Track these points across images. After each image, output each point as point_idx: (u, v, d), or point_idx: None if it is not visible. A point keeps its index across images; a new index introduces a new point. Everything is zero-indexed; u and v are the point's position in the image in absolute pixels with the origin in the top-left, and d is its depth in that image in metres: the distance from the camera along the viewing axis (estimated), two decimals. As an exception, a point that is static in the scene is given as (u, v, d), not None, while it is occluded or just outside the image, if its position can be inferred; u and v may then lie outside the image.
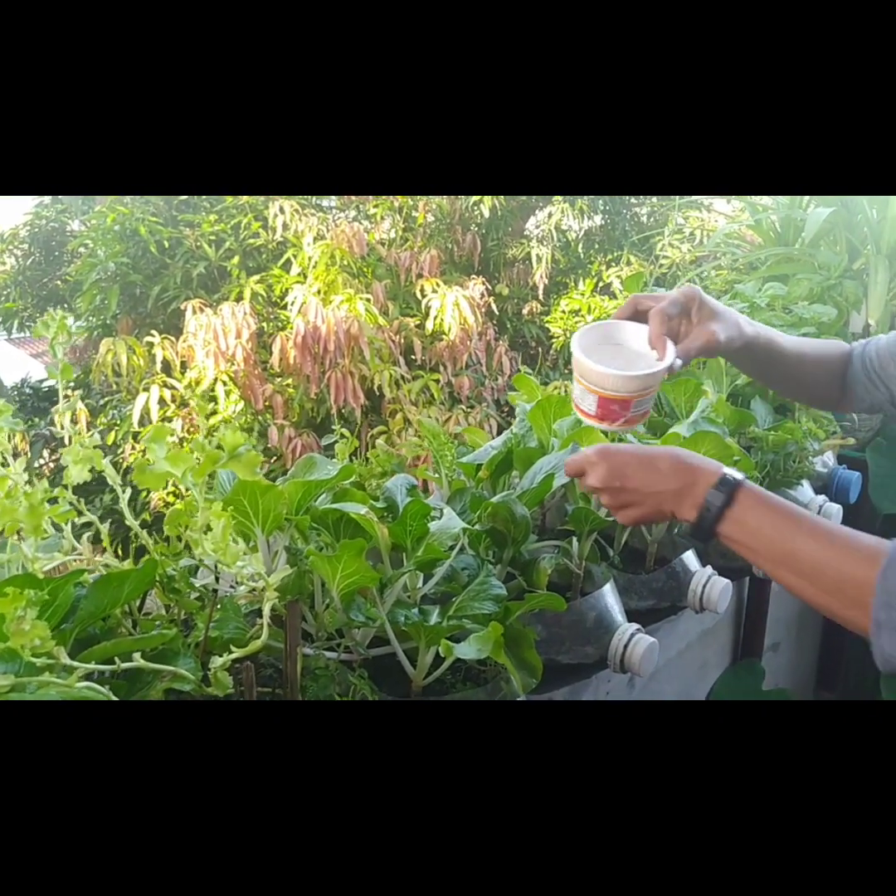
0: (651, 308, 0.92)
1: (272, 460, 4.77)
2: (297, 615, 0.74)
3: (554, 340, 5.90)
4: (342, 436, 1.08)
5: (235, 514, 0.85)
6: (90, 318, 6.31)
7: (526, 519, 0.94)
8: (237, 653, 0.67)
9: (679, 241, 5.92)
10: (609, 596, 1.01)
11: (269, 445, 4.77)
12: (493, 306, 5.61)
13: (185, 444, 5.28)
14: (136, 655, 0.69)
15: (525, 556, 1.00)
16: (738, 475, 0.75)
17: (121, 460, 5.33)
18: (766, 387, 1.38)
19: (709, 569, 1.15)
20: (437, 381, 4.97)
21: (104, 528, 0.79)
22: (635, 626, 0.99)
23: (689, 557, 1.15)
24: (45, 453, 6.57)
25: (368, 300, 4.84)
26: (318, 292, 5.01)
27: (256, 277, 5.47)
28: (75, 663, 0.65)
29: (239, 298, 5.24)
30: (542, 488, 0.99)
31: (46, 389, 6.79)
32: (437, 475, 1.19)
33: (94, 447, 0.82)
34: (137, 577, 0.76)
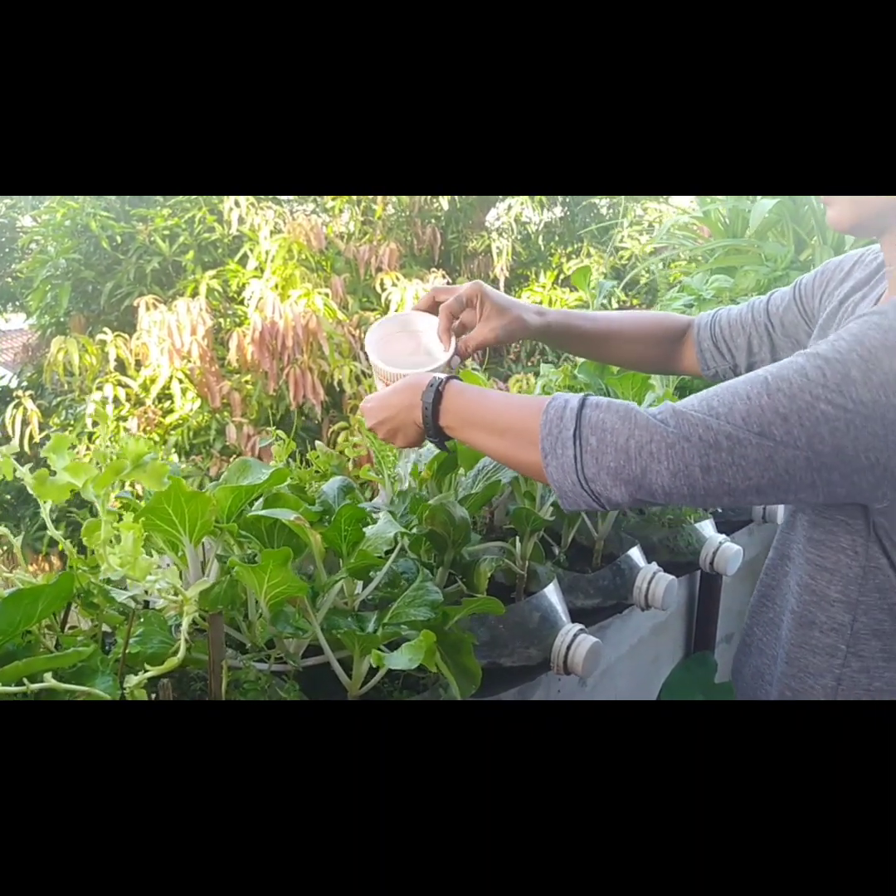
0: (440, 298, 1.02)
1: (231, 459, 4.70)
2: (219, 628, 0.71)
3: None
4: (278, 438, 1.05)
5: (160, 522, 0.82)
6: (43, 316, 6.16)
7: (465, 521, 0.92)
8: (152, 671, 0.64)
9: (638, 233, 5.94)
10: (552, 596, 0.99)
11: (227, 443, 4.70)
12: (454, 300, 5.56)
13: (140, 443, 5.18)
14: (49, 675, 0.66)
15: (466, 559, 0.98)
16: (446, 375, 0.87)
17: (76, 461, 5.22)
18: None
19: (654, 566, 1.14)
20: (398, 375, 4.94)
21: (17, 541, 0.75)
22: (578, 626, 0.97)
23: (635, 554, 1.14)
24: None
25: (327, 295, 4.78)
26: (276, 287, 4.94)
27: (212, 272, 5.37)
28: (-22, 687, 0.61)
29: (194, 294, 5.15)
30: (487, 492, 0.97)
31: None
32: (380, 476, 1.16)
33: (12, 455, 0.78)
34: (52, 592, 0.73)
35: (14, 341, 7.84)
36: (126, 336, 4.96)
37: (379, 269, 5.36)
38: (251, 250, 5.36)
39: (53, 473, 0.57)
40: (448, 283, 5.42)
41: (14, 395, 5.29)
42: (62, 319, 5.94)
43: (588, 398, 0.75)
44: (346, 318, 4.94)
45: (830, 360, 0.66)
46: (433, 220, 6.05)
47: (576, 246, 6.52)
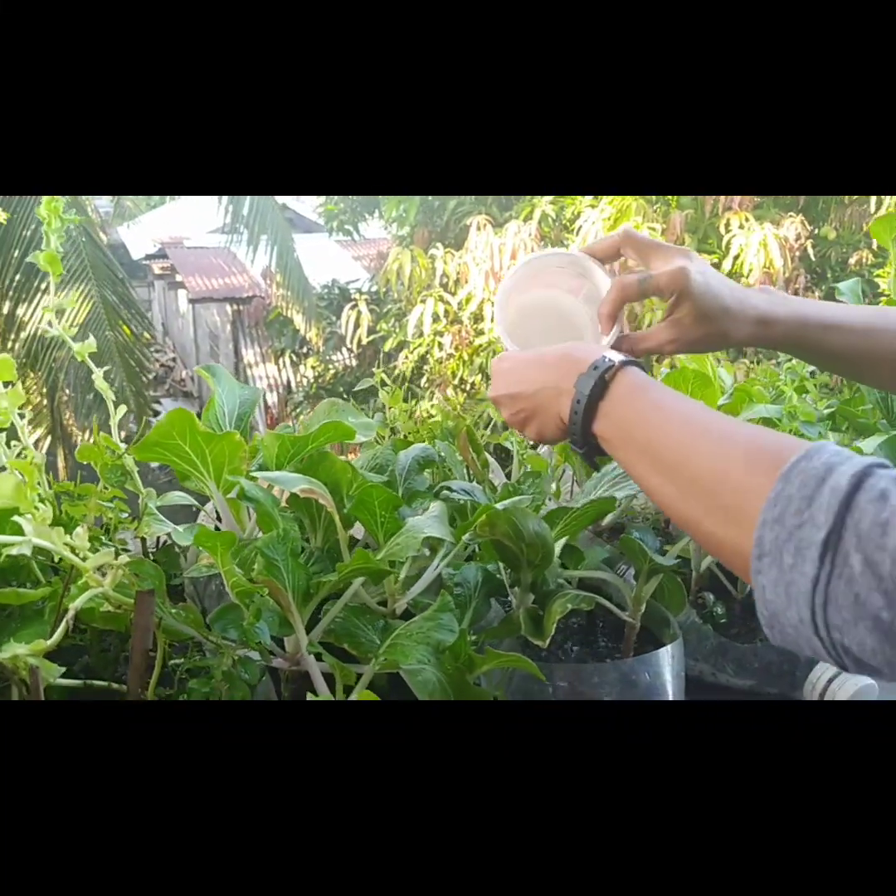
0: (629, 256, 0.70)
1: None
2: (147, 611, 0.58)
3: (881, 299, 4.96)
4: (383, 383, 0.87)
5: (176, 459, 0.71)
6: (399, 228, 6.56)
7: (541, 538, 0.67)
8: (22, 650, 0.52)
9: None
10: (663, 665, 0.71)
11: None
12: (811, 251, 4.83)
13: (451, 360, 5.34)
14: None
15: (549, 586, 0.73)
16: (622, 357, 0.57)
17: (394, 368, 5.55)
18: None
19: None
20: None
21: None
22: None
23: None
24: (343, 352, 7.07)
25: (656, 231, 4.39)
26: (609, 218, 4.66)
27: (551, 198, 5.23)
28: None
29: (527, 218, 5.06)
30: (592, 510, 0.71)
31: (352, 291, 7.26)
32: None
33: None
34: None
35: (374, 248, 8.51)
36: (454, 252, 5.06)
37: (728, 208, 4.80)
38: (593, 176, 5.11)
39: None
40: (807, 231, 4.68)
41: (353, 297, 5.72)
42: (413, 231, 6.26)
43: (875, 468, 0.41)
44: (674, 258, 4.51)
45: None
46: (809, 156, 5.24)
47: None
